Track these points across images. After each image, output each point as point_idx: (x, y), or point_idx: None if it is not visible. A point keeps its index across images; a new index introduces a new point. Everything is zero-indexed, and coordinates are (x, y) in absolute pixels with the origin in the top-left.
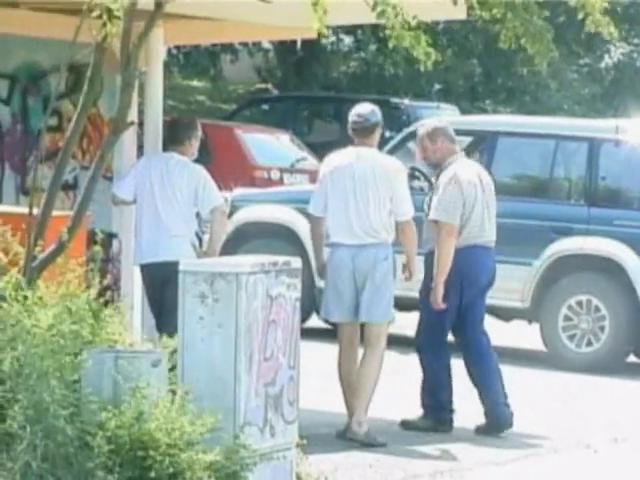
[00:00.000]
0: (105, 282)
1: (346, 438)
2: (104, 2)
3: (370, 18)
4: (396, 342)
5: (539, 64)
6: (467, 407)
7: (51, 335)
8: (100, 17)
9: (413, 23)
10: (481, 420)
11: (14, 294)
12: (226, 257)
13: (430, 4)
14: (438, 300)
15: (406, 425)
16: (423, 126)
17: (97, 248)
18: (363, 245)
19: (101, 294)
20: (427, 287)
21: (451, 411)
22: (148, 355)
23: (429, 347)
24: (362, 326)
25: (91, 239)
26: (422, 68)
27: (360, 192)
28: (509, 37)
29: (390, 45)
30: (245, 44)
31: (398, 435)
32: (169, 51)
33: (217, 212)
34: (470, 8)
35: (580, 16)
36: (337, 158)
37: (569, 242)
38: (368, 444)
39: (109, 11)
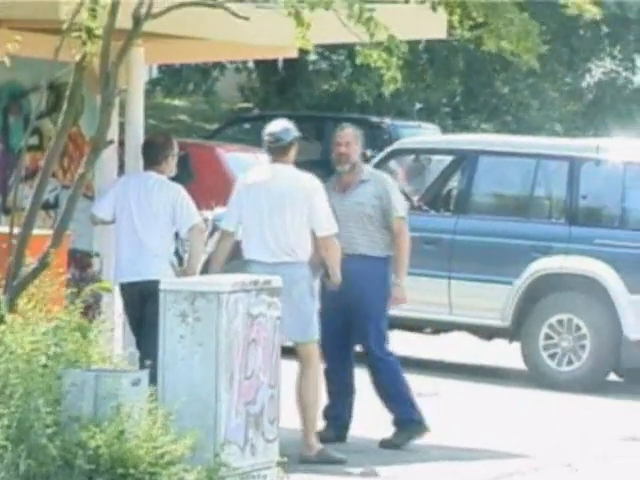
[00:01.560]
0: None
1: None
2: (84, 21)
3: (348, 37)
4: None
5: (528, 61)
6: (446, 425)
7: (34, 355)
8: (80, 36)
9: (384, 39)
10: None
11: None
12: (207, 276)
13: (410, 24)
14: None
15: (384, 444)
16: (350, 127)
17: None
18: (278, 264)
19: (83, 313)
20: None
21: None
22: (128, 374)
23: (389, 354)
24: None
25: (71, 258)
26: (386, 92)
27: (277, 210)
28: (492, 39)
29: (358, 61)
30: (232, 62)
31: (379, 454)
32: (158, 68)
33: (195, 230)
34: (451, 27)
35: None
36: (253, 175)
37: (550, 261)
38: (325, 462)
39: (89, 30)
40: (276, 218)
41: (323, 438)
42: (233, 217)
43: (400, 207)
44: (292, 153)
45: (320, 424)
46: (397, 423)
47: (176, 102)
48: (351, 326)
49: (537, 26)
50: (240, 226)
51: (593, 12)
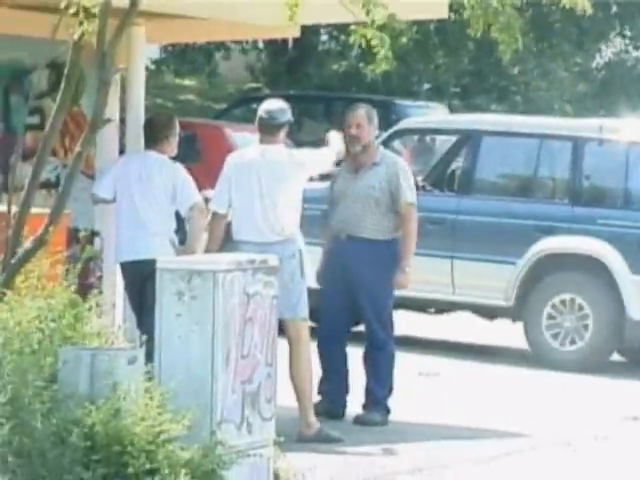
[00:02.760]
0: (88, 280)
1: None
2: (81, 0)
3: (348, 17)
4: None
5: (503, 53)
6: (448, 404)
7: (30, 332)
8: (77, 15)
9: (383, 19)
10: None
11: None
12: (203, 255)
13: (410, 3)
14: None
15: (359, 420)
16: (363, 107)
17: (94, 249)
18: (269, 243)
19: (84, 292)
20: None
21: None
22: (125, 352)
23: (391, 337)
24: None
25: (72, 237)
26: (377, 70)
27: (267, 190)
28: (478, 24)
29: (351, 40)
30: (238, 42)
31: (375, 433)
32: (165, 49)
33: (195, 210)
34: (461, 7)
35: None
36: (242, 155)
37: (553, 241)
38: (322, 441)
39: (86, 9)
40: (266, 198)
41: (317, 412)
42: (224, 198)
43: (409, 193)
44: (282, 135)
45: (315, 398)
46: (374, 402)
47: (185, 82)
48: (353, 307)
49: (520, 20)
50: (229, 208)
51: (586, 8)
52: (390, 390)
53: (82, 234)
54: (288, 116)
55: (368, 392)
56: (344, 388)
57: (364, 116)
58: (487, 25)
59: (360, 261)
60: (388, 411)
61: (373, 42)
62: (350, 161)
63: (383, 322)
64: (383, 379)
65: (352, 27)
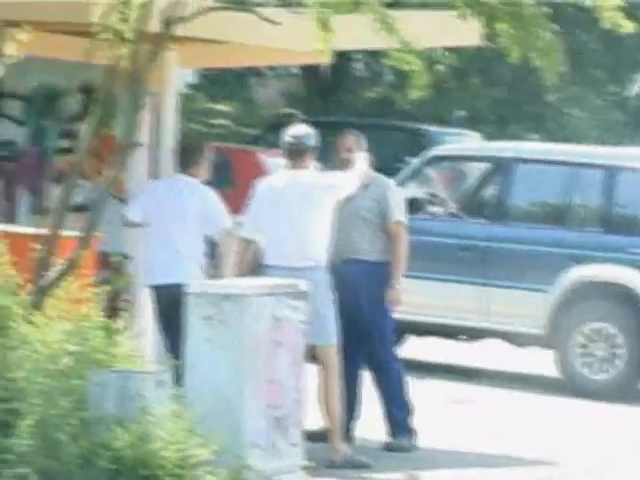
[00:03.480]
0: (116, 303)
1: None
2: (113, 24)
3: (379, 43)
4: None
5: (549, 79)
6: (479, 432)
7: (59, 354)
8: (109, 39)
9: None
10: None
11: (23, 313)
12: (233, 279)
13: (443, 30)
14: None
15: (390, 447)
16: (352, 133)
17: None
18: (299, 268)
19: (113, 315)
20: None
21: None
22: (153, 375)
23: (394, 357)
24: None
25: (101, 260)
26: (409, 97)
27: (297, 215)
28: (517, 50)
29: (388, 62)
30: (273, 68)
31: (404, 460)
32: (200, 73)
33: (225, 234)
34: (496, 35)
35: (596, 15)
36: (272, 181)
37: (586, 269)
38: (351, 467)
39: (119, 34)
40: (297, 223)
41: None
42: (254, 224)
43: (398, 212)
44: (310, 159)
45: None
46: (397, 426)
47: (220, 107)
48: (354, 330)
49: (562, 43)
50: (259, 233)
51: (628, 27)
52: (409, 411)
53: (113, 258)
54: (314, 140)
55: (388, 417)
56: (350, 414)
57: (354, 141)
58: (525, 51)
59: (355, 283)
60: (413, 433)
61: (413, 67)
62: None
63: (383, 342)
64: (399, 400)
65: (391, 51)
